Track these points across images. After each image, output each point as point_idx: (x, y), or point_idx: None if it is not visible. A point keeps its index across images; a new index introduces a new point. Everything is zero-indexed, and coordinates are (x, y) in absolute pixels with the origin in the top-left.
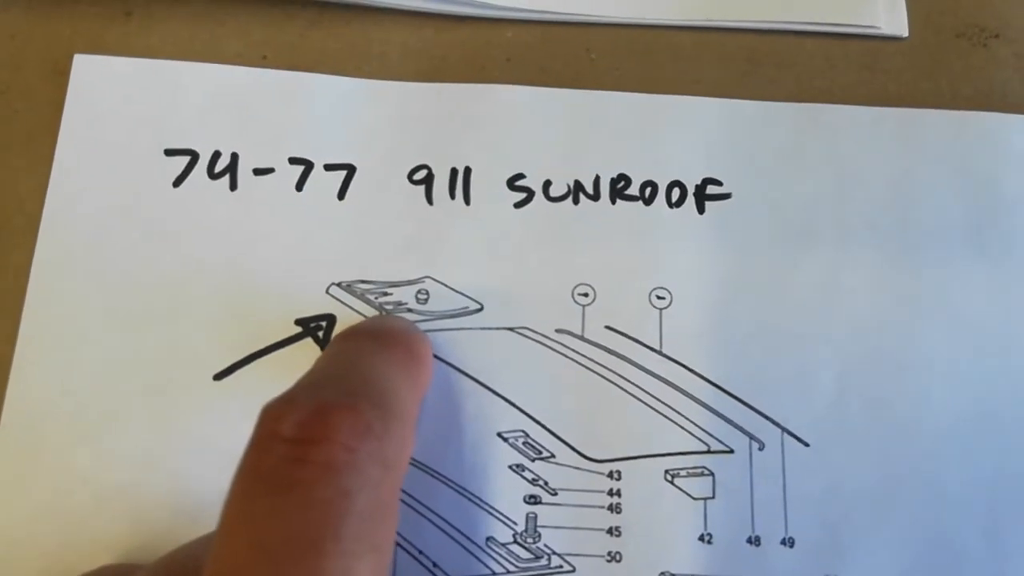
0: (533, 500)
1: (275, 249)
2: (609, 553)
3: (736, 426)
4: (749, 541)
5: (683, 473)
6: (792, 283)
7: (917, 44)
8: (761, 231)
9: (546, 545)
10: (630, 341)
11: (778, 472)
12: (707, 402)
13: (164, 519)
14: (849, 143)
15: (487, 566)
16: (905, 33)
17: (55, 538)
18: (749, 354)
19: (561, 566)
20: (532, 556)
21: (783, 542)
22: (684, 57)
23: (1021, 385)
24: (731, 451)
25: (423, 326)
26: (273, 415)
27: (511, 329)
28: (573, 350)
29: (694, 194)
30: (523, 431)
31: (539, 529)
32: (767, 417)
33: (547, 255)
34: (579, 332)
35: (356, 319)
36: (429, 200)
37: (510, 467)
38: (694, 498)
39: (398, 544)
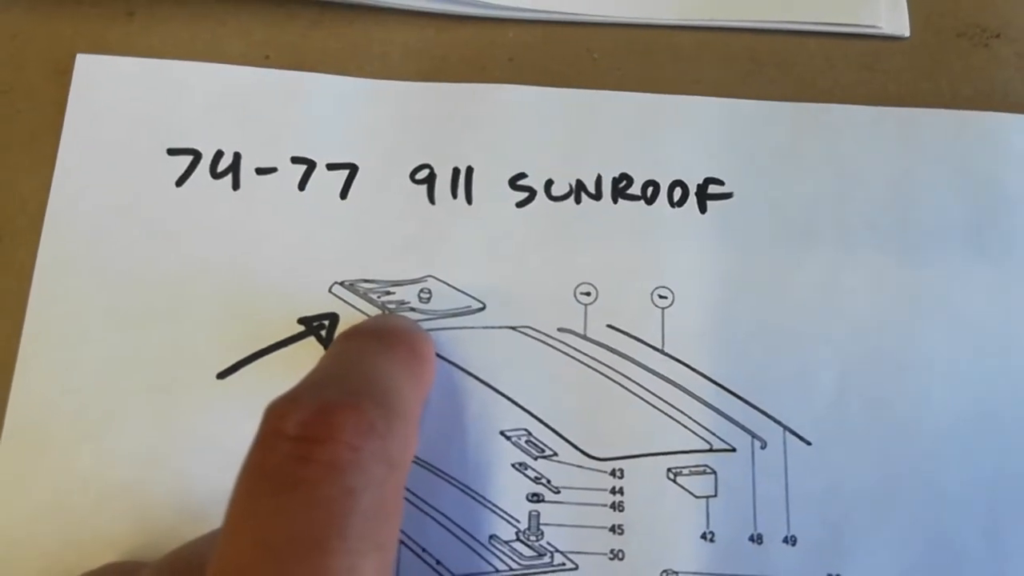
0: (536, 498)
1: (278, 248)
2: (612, 551)
3: (738, 425)
4: (751, 539)
5: (685, 471)
6: (793, 282)
7: (918, 44)
8: (762, 230)
9: (549, 543)
10: (632, 340)
11: (780, 471)
12: (709, 401)
13: (167, 518)
14: (850, 143)
15: (490, 564)
16: (906, 33)
17: (58, 537)
18: (750, 353)
19: (564, 564)
20: (535, 554)
21: (785, 540)
22: (685, 57)
23: (1021, 385)
24: (733, 449)
25: (426, 325)
26: (277, 414)
27: (513, 328)
28: (575, 349)
29: (696, 194)
30: (526, 429)
31: (542, 527)
32: (769, 416)
33: (549, 254)
34: (581, 331)
35: (359, 318)
36: (431, 200)
37: (513, 465)
38: (696, 496)
39: (402, 542)
